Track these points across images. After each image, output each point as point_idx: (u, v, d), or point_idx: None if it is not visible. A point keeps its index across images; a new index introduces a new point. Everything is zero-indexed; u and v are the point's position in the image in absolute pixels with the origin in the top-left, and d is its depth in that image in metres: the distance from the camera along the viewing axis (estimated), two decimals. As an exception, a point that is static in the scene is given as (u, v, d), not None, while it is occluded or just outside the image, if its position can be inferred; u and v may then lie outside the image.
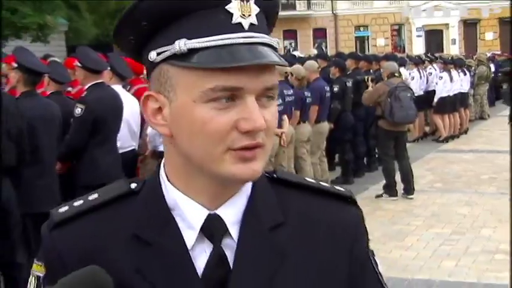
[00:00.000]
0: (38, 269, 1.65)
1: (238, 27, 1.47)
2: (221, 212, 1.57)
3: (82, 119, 8.01)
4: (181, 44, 1.47)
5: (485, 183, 14.19)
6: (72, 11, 51.20)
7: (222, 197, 1.58)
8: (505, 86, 14.20)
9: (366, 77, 15.84)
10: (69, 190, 8.31)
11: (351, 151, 15.22)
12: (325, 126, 13.84)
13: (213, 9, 1.47)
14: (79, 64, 7.92)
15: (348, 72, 15.73)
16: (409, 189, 13.50)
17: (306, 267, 1.60)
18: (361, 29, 61.71)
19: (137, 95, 10.03)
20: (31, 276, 1.67)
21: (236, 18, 1.47)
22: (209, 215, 1.56)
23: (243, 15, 1.48)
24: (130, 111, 8.69)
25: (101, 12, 47.89)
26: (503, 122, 25.47)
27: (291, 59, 15.62)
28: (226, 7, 1.47)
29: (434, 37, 60.44)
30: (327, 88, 13.83)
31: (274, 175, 1.69)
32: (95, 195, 1.65)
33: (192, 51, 1.47)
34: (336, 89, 14.39)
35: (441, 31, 61.20)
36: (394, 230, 11.21)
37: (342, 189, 1.74)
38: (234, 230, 1.58)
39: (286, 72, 12.60)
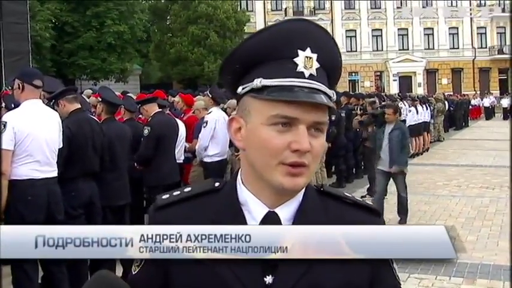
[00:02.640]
0: None
1: (301, 75, 1.51)
2: (278, 210, 1.56)
3: (149, 137, 8.10)
4: (258, 82, 1.51)
5: (440, 188, 14.08)
6: (144, 60, 51.71)
7: (280, 200, 1.56)
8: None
9: (356, 107, 15.93)
10: (139, 189, 8.39)
11: (344, 163, 15.18)
12: (325, 145, 13.80)
13: (285, 59, 1.52)
14: (100, 99, 7.80)
15: (342, 106, 15.66)
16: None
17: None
18: (353, 74, 61.53)
19: (188, 121, 10.06)
20: None
21: (300, 68, 1.51)
22: (268, 211, 1.56)
23: (305, 66, 1.51)
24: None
25: (164, 61, 48.17)
26: (454, 143, 25.54)
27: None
28: (294, 59, 1.52)
29: (405, 81, 60.30)
30: (327, 117, 13.73)
31: (322, 188, 1.69)
32: (189, 188, 1.66)
33: (264, 88, 1.51)
34: (333, 118, 14.28)
35: (410, 77, 61.06)
36: (374, 221, 11.06)
37: (370, 203, 1.72)
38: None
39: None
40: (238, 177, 1.62)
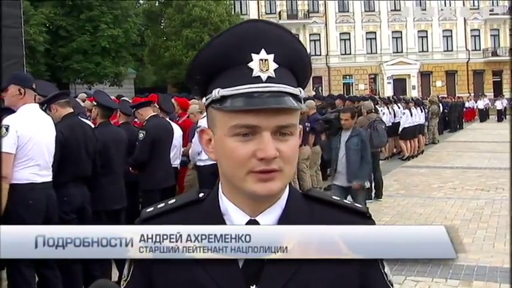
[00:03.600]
0: None
1: (257, 79, 1.45)
2: (260, 218, 1.53)
3: (144, 141, 8.09)
4: (216, 92, 1.47)
5: (435, 190, 14.08)
6: (138, 63, 51.71)
7: (260, 208, 1.53)
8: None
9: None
10: (134, 192, 8.38)
11: (339, 166, 15.13)
12: (319, 148, 13.82)
13: (240, 65, 1.46)
14: (95, 103, 7.73)
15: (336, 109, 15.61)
16: (379, 194, 13.48)
17: (325, 262, 1.49)
18: (347, 77, 61.66)
19: (183, 124, 10.06)
20: None
21: (256, 73, 1.45)
22: (249, 220, 1.53)
23: (261, 70, 1.45)
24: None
25: (158, 65, 48.21)
26: (449, 146, 25.57)
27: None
28: (248, 64, 1.46)
29: (399, 84, 60.40)
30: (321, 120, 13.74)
31: (308, 193, 1.64)
32: (173, 200, 1.64)
33: (223, 98, 1.46)
34: (325, 121, 14.31)
35: (405, 79, 61.19)
36: (369, 223, 11.04)
37: (359, 205, 1.67)
38: None
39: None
40: (220, 186, 1.60)
